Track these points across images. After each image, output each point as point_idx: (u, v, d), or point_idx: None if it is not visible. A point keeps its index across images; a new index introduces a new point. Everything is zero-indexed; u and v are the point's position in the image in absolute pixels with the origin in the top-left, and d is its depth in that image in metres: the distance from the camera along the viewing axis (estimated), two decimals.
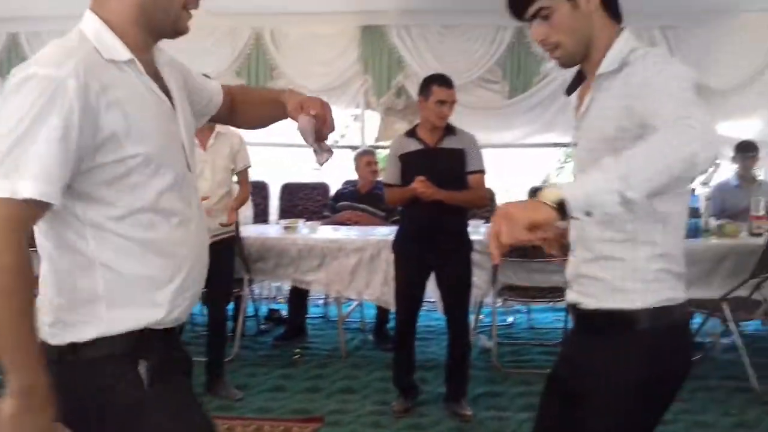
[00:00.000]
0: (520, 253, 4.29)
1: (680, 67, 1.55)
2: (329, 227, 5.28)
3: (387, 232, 4.67)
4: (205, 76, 1.90)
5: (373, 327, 5.35)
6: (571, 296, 1.87)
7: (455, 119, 3.92)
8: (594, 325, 1.80)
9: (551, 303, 5.13)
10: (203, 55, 5.94)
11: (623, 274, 1.70)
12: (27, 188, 1.24)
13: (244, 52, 6.58)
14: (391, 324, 4.91)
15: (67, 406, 1.43)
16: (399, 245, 3.96)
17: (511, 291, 4.72)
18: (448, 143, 3.81)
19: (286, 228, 5.03)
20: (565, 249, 1.85)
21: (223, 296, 4.17)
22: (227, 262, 4.16)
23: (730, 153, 5.67)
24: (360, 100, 6.71)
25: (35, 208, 1.28)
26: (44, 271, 1.46)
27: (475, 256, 4.04)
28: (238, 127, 2.04)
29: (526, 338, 5.32)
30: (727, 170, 5.87)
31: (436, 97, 3.72)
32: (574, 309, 1.87)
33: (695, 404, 3.91)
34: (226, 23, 6.38)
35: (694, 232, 4.58)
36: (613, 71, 1.67)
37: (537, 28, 1.74)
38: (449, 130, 3.83)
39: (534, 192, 5.98)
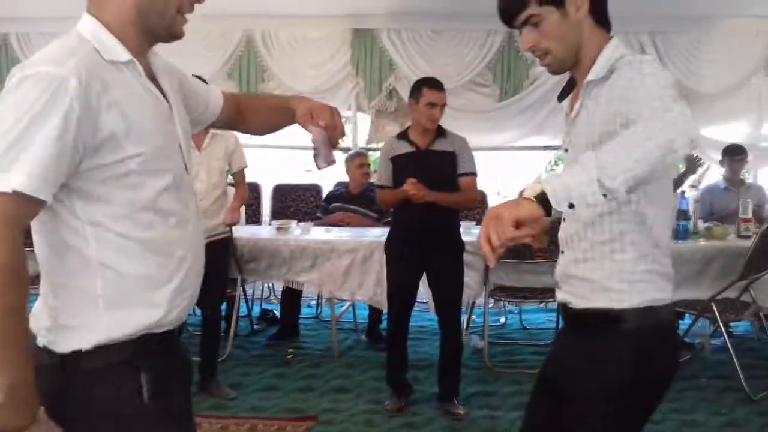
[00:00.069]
0: (513, 254, 4.32)
1: (663, 71, 1.57)
2: (321, 228, 5.29)
3: (379, 234, 4.69)
4: (201, 79, 1.90)
5: (365, 327, 5.36)
6: (560, 296, 1.90)
7: (446, 122, 3.94)
8: (582, 324, 1.82)
9: (542, 303, 5.17)
10: (195, 58, 5.94)
11: (610, 274, 1.73)
12: (18, 182, 1.25)
13: (235, 54, 6.58)
14: (384, 324, 4.92)
15: (69, 414, 1.45)
16: (391, 246, 3.98)
17: (502, 292, 4.75)
18: (439, 146, 3.84)
19: (279, 229, 5.05)
20: (546, 239, 1.88)
21: (218, 296, 4.17)
22: (222, 263, 4.18)
23: (719, 156, 5.73)
24: (351, 103, 6.72)
25: (29, 205, 1.28)
26: (42, 273, 1.46)
27: (466, 257, 4.05)
28: (245, 133, 2.05)
29: (518, 338, 5.34)
30: (715, 173, 5.93)
31: (427, 100, 3.75)
32: (564, 308, 1.90)
33: (685, 403, 3.95)
34: (218, 26, 6.37)
35: (683, 234, 4.64)
36: (602, 78, 1.69)
37: (527, 36, 1.77)
38: (440, 133, 3.86)
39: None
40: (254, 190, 6.10)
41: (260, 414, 3.81)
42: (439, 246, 3.83)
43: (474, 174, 3.89)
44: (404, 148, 3.87)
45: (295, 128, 5.73)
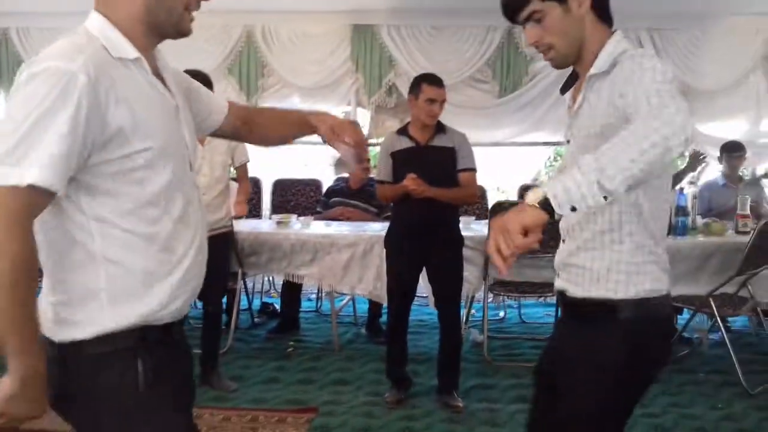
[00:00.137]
0: None
1: (662, 66, 1.59)
2: (322, 222, 5.31)
3: (379, 228, 4.70)
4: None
5: (365, 321, 5.38)
6: (558, 283, 1.94)
7: (446, 118, 3.96)
8: (579, 312, 1.87)
9: (541, 298, 5.19)
10: (195, 53, 5.93)
11: (609, 264, 1.77)
12: (32, 175, 1.27)
13: (235, 49, 6.60)
14: (384, 318, 4.94)
15: (69, 403, 1.47)
16: (391, 241, 3.99)
17: (501, 286, 4.77)
18: (439, 141, 3.86)
19: (279, 223, 5.06)
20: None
21: (219, 290, 4.19)
22: (223, 257, 4.20)
23: (717, 153, 5.76)
24: (351, 98, 6.74)
25: (40, 197, 1.30)
26: (44, 269, 1.46)
27: (466, 252, 4.08)
28: (254, 144, 2.08)
29: (517, 332, 5.36)
30: (714, 170, 5.96)
31: (426, 96, 3.76)
32: (561, 296, 1.94)
33: (683, 398, 3.98)
34: (218, 21, 6.39)
35: (681, 230, 4.66)
36: (604, 72, 1.72)
37: (530, 31, 1.79)
38: (440, 129, 3.88)
39: (524, 190, 6.05)
40: (255, 184, 6.12)
41: (261, 406, 3.83)
42: (439, 241, 3.85)
43: (473, 170, 3.91)
44: (404, 143, 3.88)
45: None
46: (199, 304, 4.24)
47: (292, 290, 5.32)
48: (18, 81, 1.34)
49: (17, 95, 1.32)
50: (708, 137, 6.32)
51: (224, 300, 4.50)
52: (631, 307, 1.75)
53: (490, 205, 4.75)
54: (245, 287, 5.30)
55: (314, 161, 7.84)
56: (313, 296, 6.20)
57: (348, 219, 5.42)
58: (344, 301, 5.66)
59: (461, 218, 4.20)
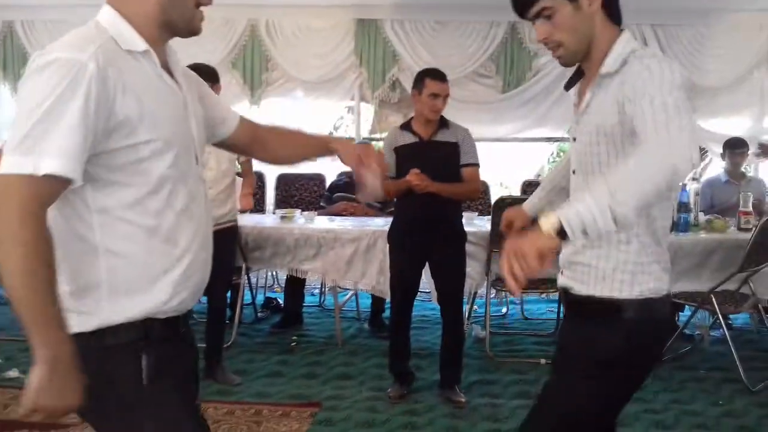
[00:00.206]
0: None
1: (671, 71, 1.62)
2: (325, 217, 5.33)
3: (382, 223, 4.71)
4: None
5: (368, 316, 5.40)
6: (562, 281, 1.97)
7: (449, 113, 3.96)
8: (582, 309, 1.89)
9: (544, 294, 5.20)
10: (199, 47, 5.95)
11: (615, 264, 1.79)
12: (48, 165, 1.28)
13: (239, 43, 6.63)
14: (387, 313, 4.96)
15: None
16: (394, 236, 4.00)
17: (504, 282, 4.76)
18: (442, 136, 3.86)
19: (283, 218, 5.08)
20: None
21: (223, 284, 4.21)
22: (228, 251, 4.22)
23: (720, 150, 5.76)
24: (354, 93, 6.77)
25: (55, 185, 1.31)
26: None
27: (468, 248, 4.09)
28: (262, 161, 2.08)
29: (519, 328, 5.37)
30: (717, 166, 5.96)
31: (430, 91, 3.76)
32: (565, 293, 1.97)
33: (685, 394, 3.99)
34: (222, 14, 6.41)
35: (683, 226, 4.66)
36: (614, 72, 1.74)
37: (540, 28, 1.80)
38: (443, 124, 3.88)
39: (527, 185, 6.06)
40: (259, 179, 6.14)
41: (265, 400, 3.85)
42: (442, 237, 3.86)
43: (476, 165, 3.91)
44: (407, 138, 3.88)
45: (299, 119, 5.78)
46: (204, 299, 4.25)
47: (295, 285, 5.34)
48: (28, 72, 1.36)
49: (28, 86, 1.34)
50: (711, 134, 6.33)
51: (228, 294, 4.52)
52: (635, 307, 1.78)
53: (493, 201, 4.76)
54: (249, 282, 5.33)
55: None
56: (317, 291, 6.22)
57: (351, 214, 5.44)
58: (347, 296, 5.69)
59: (464, 214, 4.21)
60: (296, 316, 5.41)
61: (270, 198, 6.47)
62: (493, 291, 4.91)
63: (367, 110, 6.91)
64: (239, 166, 4.38)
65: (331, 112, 7.23)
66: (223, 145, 1.90)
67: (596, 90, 1.79)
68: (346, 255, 4.68)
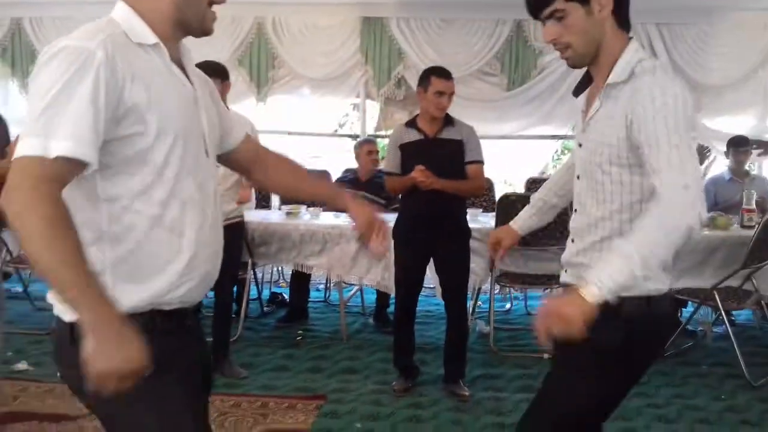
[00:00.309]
0: (520, 242, 4.38)
1: (673, 95, 1.69)
2: (330, 213, 5.35)
3: (387, 219, 4.72)
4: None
5: (373, 311, 5.43)
6: (564, 278, 2.02)
7: (454, 111, 3.98)
8: None
9: (547, 290, 5.21)
10: (205, 44, 5.93)
11: None
12: (58, 147, 1.29)
13: (246, 41, 6.67)
14: (392, 309, 4.98)
15: (79, 384, 1.46)
16: (399, 232, 4.02)
17: (508, 278, 4.81)
18: (447, 134, 3.88)
19: (289, 213, 5.10)
20: None
21: (230, 279, 4.24)
22: (235, 246, 4.25)
23: (724, 148, 5.78)
24: (360, 90, 6.81)
25: (68, 167, 1.32)
26: None
27: (473, 244, 4.11)
28: (258, 183, 2.03)
29: (523, 324, 5.37)
30: (721, 165, 5.98)
31: (435, 88, 3.79)
32: (568, 289, 2.00)
33: (688, 389, 4.03)
34: (229, 12, 6.43)
35: None
36: (622, 81, 1.78)
37: (550, 28, 1.83)
38: (448, 121, 3.90)
39: (531, 183, 6.07)
40: None
41: (271, 392, 3.89)
42: (446, 233, 3.88)
43: (481, 162, 3.93)
44: (413, 135, 3.91)
45: (305, 116, 5.78)
46: (210, 294, 4.28)
47: (300, 280, 5.38)
48: (38, 63, 1.38)
49: (38, 75, 1.36)
50: (715, 132, 6.35)
51: (234, 289, 4.56)
52: (635, 305, 1.81)
53: (497, 198, 4.79)
54: (255, 277, 5.36)
55: (324, 153, 7.90)
56: (322, 286, 6.25)
57: None
58: (352, 292, 5.72)
59: (468, 210, 4.24)
60: (302, 310, 5.45)
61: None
62: (497, 287, 4.94)
63: (373, 107, 6.94)
64: None
65: (337, 110, 7.28)
66: (226, 159, 1.84)
67: (605, 100, 1.83)
68: (351, 251, 4.71)
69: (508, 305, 5.89)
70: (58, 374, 1.55)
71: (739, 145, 5.61)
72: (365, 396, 3.87)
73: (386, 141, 4.74)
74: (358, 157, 5.76)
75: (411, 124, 3.98)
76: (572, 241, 1.98)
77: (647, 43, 6.26)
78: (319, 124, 7.05)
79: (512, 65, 6.61)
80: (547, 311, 1.61)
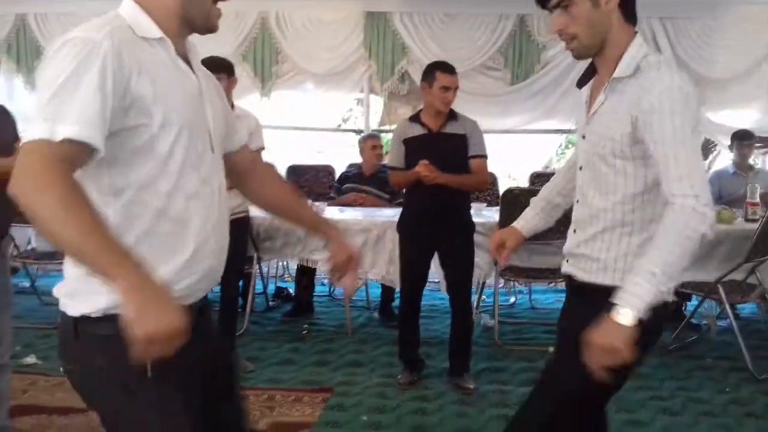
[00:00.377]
0: None
1: (683, 94, 1.71)
2: (335, 208, 5.38)
3: (392, 214, 4.73)
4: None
5: (378, 305, 5.45)
6: (566, 268, 2.05)
7: (457, 105, 3.98)
8: (584, 294, 1.96)
9: (552, 284, 5.24)
10: (209, 39, 5.90)
11: (616, 256, 1.88)
12: (64, 130, 1.30)
13: (250, 36, 6.69)
14: (397, 303, 5.00)
15: (82, 380, 1.51)
16: (403, 226, 4.04)
17: (512, 272, 4.83)
18: (451, 128, 3.88)
19: None
20: None
21: (236, 273, 4.26)
22: (241, 241, 4.26)
23: (728, 142, 5.78)
24: (364, 85, 6.83)
25: (74, 150, 1.32)
26: None
27: (477, 238, 4.11)
28: (245, 194, 1.98)
29: (527, 318, 5.40)
30: (725, 158, 5.98)
31: (440, 84, 3.79)
32: (569, 279, 2.04)
33: (692, 382, 4.04)
34: (233, 8, 6.43)
35: None
36: (627, 76, 1.79)
37: (557, 19, 1.84)
38: (452, 116, 3.90)
39: (535, 177, 6.08)
40: None
41: (278, 386, 3.91)
42: (450, 227, 3.89)
43: (484, 156, 3.93)
44: (416, 130, 3.91)
45: (309, 111, 5.78)
46: (216, 288, 4.30)
47: (306, 275, 5.41)
48: (46, 56, 1.40)
49: (46, 67, 1.37)
50: (719, 126, 6.35)
51: (240, 284, 4.58)
52: None
53: (501, 192, 4.80)
54: (260, 271, 5.39)
55: (328, 147, 7.92)
56: (327, 281, 6.27)
57: (361, 205, 5.48)
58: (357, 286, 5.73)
59: (472, 204, 4.23)
60: (307, 305, 5.47)
61: None
62: (502, 281, 4.96)
63: (377, 102, 6.96)
64: None
65: (341, 105, 7.29)
66: (225, 162, 1.77)
67: (610, 93, 1.84)
68: (356, 245, 4.71)
69: (512, 299, 5.91)
70: (61, 369, 1.54)
71: (743, 139, 5.61)
72: (371, 389, 3.89)
73: (390, 136, 4.75)
74: (362, 152, 5.77)
75: (415, 118, 3.98)
76: (574, 231, 2.00)
77: (651, 37, 6.26)
78: (323, 119, 7.06)
79: (516, 60, 6.61)
80: (593, 349, 1.69)
